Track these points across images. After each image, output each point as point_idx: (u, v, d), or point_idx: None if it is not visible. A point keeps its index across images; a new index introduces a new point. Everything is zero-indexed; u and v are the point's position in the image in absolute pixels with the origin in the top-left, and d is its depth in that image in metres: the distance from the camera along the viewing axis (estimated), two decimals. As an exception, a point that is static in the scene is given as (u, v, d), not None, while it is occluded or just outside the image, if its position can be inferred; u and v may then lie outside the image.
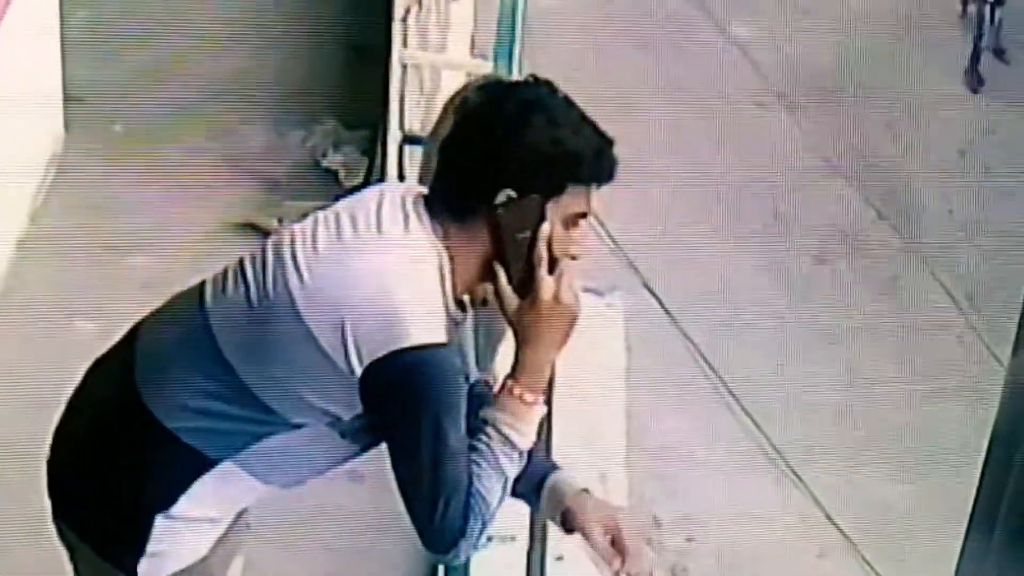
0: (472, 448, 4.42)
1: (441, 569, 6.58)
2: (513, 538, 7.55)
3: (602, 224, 14.56)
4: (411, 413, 4.34)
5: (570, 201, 4.37)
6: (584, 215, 4.42)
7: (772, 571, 11.29)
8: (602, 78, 15.95)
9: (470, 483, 4.40)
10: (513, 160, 4.39)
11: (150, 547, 4.65)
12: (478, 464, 4.40)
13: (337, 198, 8.74)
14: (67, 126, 9.20)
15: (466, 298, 4.52)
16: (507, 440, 4.42)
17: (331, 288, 4.36)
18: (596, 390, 9.37)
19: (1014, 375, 3.67)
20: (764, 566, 11.43)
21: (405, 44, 9.12)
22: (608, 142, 4.40)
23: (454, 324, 4.43)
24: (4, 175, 8.41)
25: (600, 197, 4.48)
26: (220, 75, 9.74)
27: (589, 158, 4.38)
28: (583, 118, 4.43)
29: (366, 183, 9.21)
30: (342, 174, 9.45)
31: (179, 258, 8.57)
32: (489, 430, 4.42)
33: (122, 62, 9.47)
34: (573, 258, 4.41)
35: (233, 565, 4.98)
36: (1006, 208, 13.70)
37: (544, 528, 8.12)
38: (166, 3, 9.63)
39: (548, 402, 8.28)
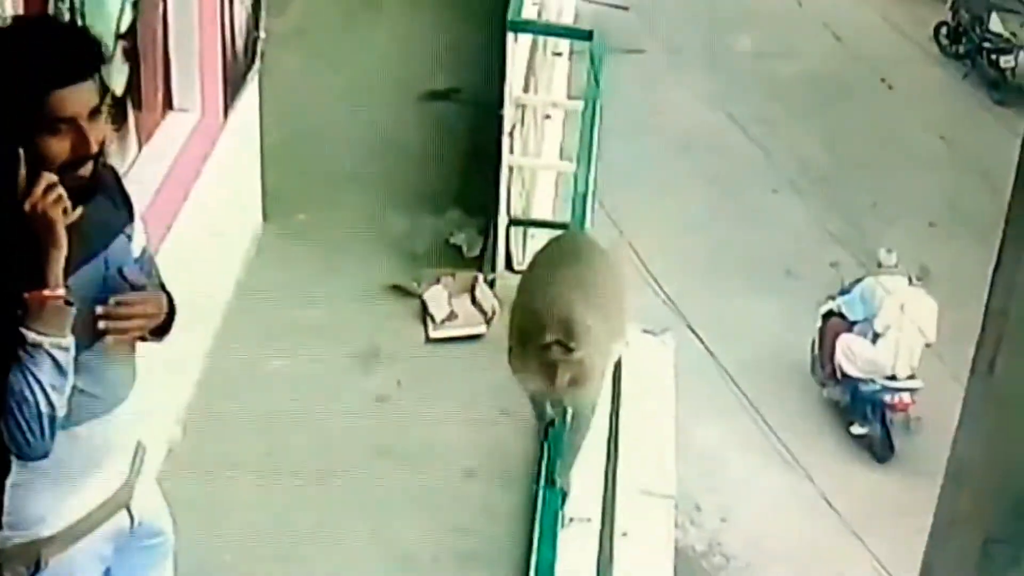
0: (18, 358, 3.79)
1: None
2: (589, 520, 7.47)
3: (656, 281, 14.57)
4: None
5: (48, 109, 3.74)
6: (69, 119, 3.77)
7: (782, 544, 11.22)
8: (656, 175, 15.96)
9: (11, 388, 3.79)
10: None
11: None
12: (13, 370, 3.80)
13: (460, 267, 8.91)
14: (265, 215, 9.27)
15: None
16: (29, 343, 3.77)
17: None
18: (653, 406, 9.30)
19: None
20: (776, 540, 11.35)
21: (511, 151, 9.17)
22: (75, 39, 3.91)
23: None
24: (219, 251, 8.52)
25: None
26: (375, 177, 9.79)
27: (49, 63, 3.76)
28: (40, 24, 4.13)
29: (482, 255, 9.28)
30: (464, 249, 9.44)
31: (345, 313, 8.66)
32: (18, 338, 3.78)
33: (304, 168, 9.54)
34: (81, 161, 3.83)
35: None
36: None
37: (613, 509, 8.08)
38: (335, 126, 9.64)
39: (616, 416, 8.16)
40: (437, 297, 8.84)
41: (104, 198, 4.10)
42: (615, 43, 13.91)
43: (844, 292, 15.97)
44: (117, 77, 6.86)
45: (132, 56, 7.26)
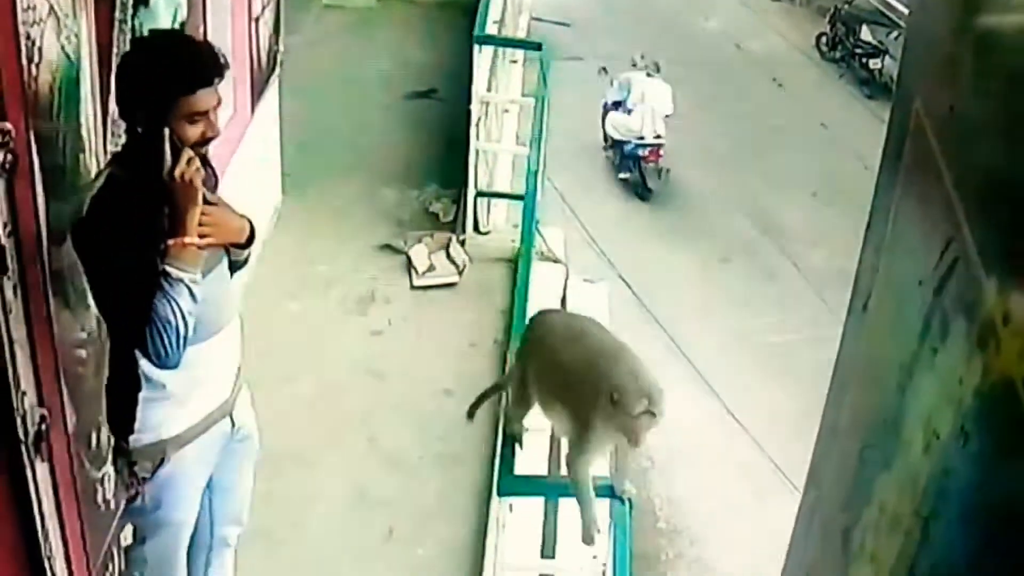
0: (158, 288, 4.03)
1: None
2: (541, 429, 7.49)
3: (598, 244, 14.55)
4: (86, 271, 4.18)
5: (181, 107, 4.00)
6: (198, 113, 4.03)
7: (691, 447, 11.24)
8: (590, 157, 15.95)
9: (153, 310, 4.02)
10: (131, 94, 4.11)
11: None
12: (158, 298, 4.02)
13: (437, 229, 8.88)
14: (283, 190, 9.27)
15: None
16: (170, 277, 4.01)
17: None
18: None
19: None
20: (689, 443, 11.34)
21: (478, 138, 9.17)
22: (199, 58, 4.08)
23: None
24: (250, 218, 8.52)
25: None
26: (370, 159, 9.80)
27: (179, 76, 4.01)
28: (176, 42, 4.30)
29: (455, 220, 9.29)
30: (441, 215, 9.45)
31: (347, 266, 8.68)
32: (163, 273, 4.02)
33: (312, 151, 9.53)
34: (206, 141, 4.11)
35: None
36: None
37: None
38: (339, 119, 9.65)
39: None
40: (419, 253, 8.87)
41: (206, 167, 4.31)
42: (559, 52, 13.96)
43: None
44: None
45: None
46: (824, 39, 22.15)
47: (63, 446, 4.41)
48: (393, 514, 6.69)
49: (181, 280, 4.05)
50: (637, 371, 4.81)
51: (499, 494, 5.62)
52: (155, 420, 4.40)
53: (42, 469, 4.33)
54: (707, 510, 10.62)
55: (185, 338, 4.10)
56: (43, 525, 4.44)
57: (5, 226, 3.81)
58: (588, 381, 4.86)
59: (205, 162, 4.23)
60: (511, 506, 5.74)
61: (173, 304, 4.04)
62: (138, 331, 4.07)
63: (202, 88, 4.04)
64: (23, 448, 4.23)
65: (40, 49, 3.87)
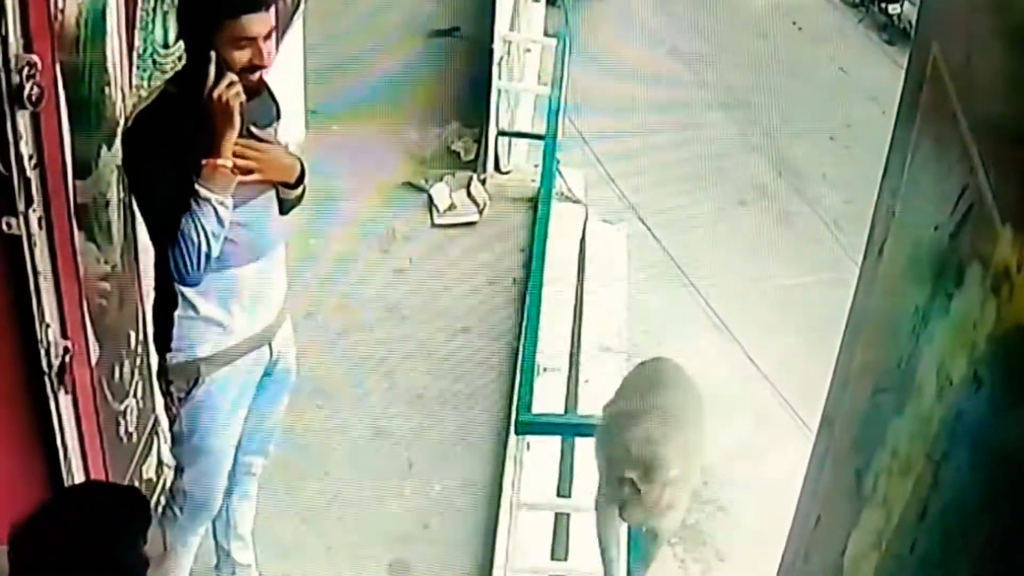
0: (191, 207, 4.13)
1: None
2: (558, 369, 7.50)
3: (613, 181, 14.53)
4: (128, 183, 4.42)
5: (228, 31, 4.08)
6: (245, 39, 4.10)
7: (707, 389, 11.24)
8: (611, 98, 15.89)
9: (180, 224, 4.14)
10: (183, 11, 4.30)
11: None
12: (185, 216, 4.13)
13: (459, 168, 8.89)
14: (307, 126, 9.28)
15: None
16: (200, 196, 4.12)
17: None
18: (609, 279, 9.32)
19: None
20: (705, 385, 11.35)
21: (500, 77, 9.14)
22: None
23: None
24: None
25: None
26: (392, 97, 9.78)
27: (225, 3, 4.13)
28: None
29: (476, 159, 9.28)
30: (462, 154, 9.45)
31: (369, 204, 8.66)
32: (193, 192, 4.15)
33: (337, 90, 9.52)
34: (254, 69, 4.16)
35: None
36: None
37: (578, 361, 8.10)
38: (361, 57, 9.63)
39: (581, 288, 8.17)
40: (440, 192, 8.86)
41: (263, 98, 4.41)
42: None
43: None
44: (193, 15, 6.81)
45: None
46: (844, -17, 22.07)
47: (86, 378, 4.44)
48: (412, 450, 6.71)
49: (208, 200, 4.15)
50: (649, 439, 4.45)
51: (516, 432, 5.64)
52: (190, 338, 4.47)
53: (65, 401, 4.36)
54: (722, 451, 10.61)
55: (208, 258, 4.19)
56: (66, 456, 4.49)
57: (31, 158, 3.82)
58: (612, 435, 4.68)
59: (258, 93, 4.31)
60: (528, 444, 5.74)
61: (198, 223, 4.14)
62: (166, 245, 4.18)
63: (248, 13, 4.11)
64: (47, 380, 4.27)
65: (67, -18, 3.88)
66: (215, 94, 4.08)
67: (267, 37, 4.17)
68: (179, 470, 4.88)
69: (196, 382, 4.53)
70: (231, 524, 5.28)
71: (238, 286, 4.44)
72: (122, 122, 4.52)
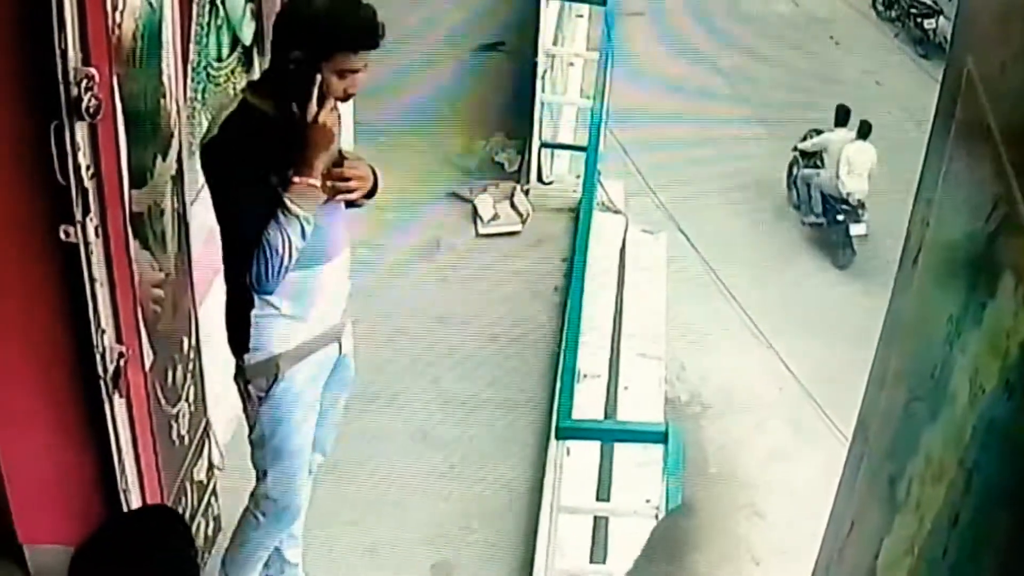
0: (274, 217, 4.23)
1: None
2: (599, 376, 7.48)
3: (653, 191, 14.52)
4: (211, 191, 4.35)
5: (338, 61, 4.18)
6: (352, 71, 4.22)
7: (744, 395, 11.24)
8: (653, 111, 15.87)
9: (263, 237, 4.22)
10: (298, 31, 4.25)
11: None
12: (270, 227, 4.21)
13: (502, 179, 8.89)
14: (355, 139, 9.32)
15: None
16: (288, 211, 4.20)
17: None
18: (648, 288, 9.31)
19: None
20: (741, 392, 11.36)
21: (543, 91, 9.16)
22: (371, 25, 4.23)
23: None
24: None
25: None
26: (438, 109, 9.82)
27: (349, 34, 4.20)
28: (355, 3, 4.28)
29: (519, 170, 9.29)
30: (506, 165, 9.48)
31: (415, 214, 8.69)
32: (278, 206, 4.23)
33: (384, 102, 9.55)
34: (347, 97, 4.30)
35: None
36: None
37: (617, 368, 8.09)
38: (410, 71, 9.67)
39: (620, 297, 8.15)
40: (484, 202, 8.88)
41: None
42: (623, 7, 13.87)
43: None
44: (246, 30, 6.82)
45: (257, 15, 7.24)
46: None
47: (140, 383, 4.46)
48: (454, 454, 6.72)
49: (297, 216, 4.23)
50: None
51: (557, 437, 5.63)
52: (268, 337, 4.54)
53: (120, 405, 4.39)
54: (758, 457, 10.60)
55: (287, 269, 4.28)
56: (120, 459, 4.51)
57: (88, 168, 3.85)
58: None
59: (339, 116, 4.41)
60: (568, 449, 5.74)
61: (285, 236, 4.22)
62: (246, 252, 4.27)
63: (364, 50, 4.23)
64: (102, 384, 4.29)
65: (124, -4, 3.89)
66: (319, 118, 4.20)
67: (362, 70, 4.29)
68: (261, 475, 4.91)
69: (276, 379, 4.60)
70: None
71: (313, 285, 4.51)
72: (182, 131, 4.56)
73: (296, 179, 4.23)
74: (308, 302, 4.53)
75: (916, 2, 21.15)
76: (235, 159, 4.25)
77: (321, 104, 4.20)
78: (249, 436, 4.82)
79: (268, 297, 4.44)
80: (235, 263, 4.45)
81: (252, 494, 5.01)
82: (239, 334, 4.56)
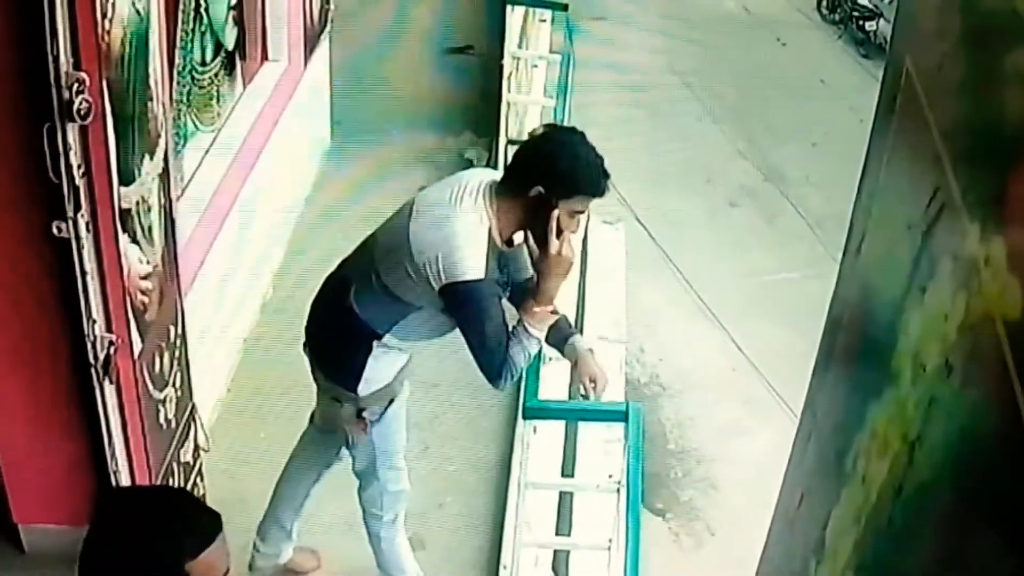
0: (512, 335, 4.31)
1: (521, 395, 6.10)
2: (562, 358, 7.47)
3: (617, 189, 14.50)
4: (466, 317, 4.29)
5: (575, 202, 4.22)
6: (581, 211, 4.27)
7: (699, 375, 11.24)
8: (611, 108, 15.86)
9: (507, 353, 4.30)
10: (545, 171, 4.23)
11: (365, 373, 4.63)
12: (513, 345, 4.31)
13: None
14: (332, 134, 9.32)
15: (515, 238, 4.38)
16: (529, 334, 4.32)
17: (425, 232, 4.21)
18: (609, 275, 9.32)
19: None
20: (697, 372, 11.36)
21: (509, 90, 9.14)
22: (606, 174, 4.27)
23: (500, 256, 4.33)
24: (300, 162, 8.60)
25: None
26: (411, 108, 9.82)
27: (590, 181, 4.25)
28: (595, 154, 4.30)
29: (486, 165, 9.29)
30: (474, 161, 9.47)
31: (389, 205, 8.65)
32: (520, 327, 4.33)
33: (359, 100, 9.54)
34: (573, 232, 4.27)
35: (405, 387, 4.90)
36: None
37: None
38: (383, 72, 9.68)
39: (583, 283, 8.14)
40: (454, 196, 8.88)
41: None
42: (583, 12, 13.89)
43: None
44: (229, 36, 6.80)
45: (239, 21, 7.22)
46: (824, 2, 21.92)
47: (129, 370, 4.45)
48: (427, 434, 6.72)
49: (536, 338, 4.36)
50: None
51: (524, 417, 5.62)
52: (384, 369, 4.64)
53: (110, 391, 4.38)
54: (713, 433, 10.59)
55: (519, 374, 4.48)
56: (110, 442, 4.51)
57: (79, 167, 3.84)
58: None
59: None
60: (535, 428, 5.74)
61: (527, 355, 4.37)
62: (490, 362, 4.33)
63: (598, 197, 4.29)
64: (93, 371, 4.28)
65: (113, 5, 3.87)
66: (561, 251, 4.23)
67: (584, 212, 4.32)
68: (366, 482, 5.14)
69: (390, 402, 4.78)
70: (303, 508, 5.47)
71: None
72: (168, 132, 4.53)
73: (536, 309, 4.33)
74: (416, 336, 4.60)
75: (858, 5, 21.17)
76: (486, 286, 4.26)
77: (560, 236, 4.22)
78: (351, 450, 5.00)
79: (394, 345, 4.56)
80: (363, 320, 4.50)
81: (360, 502, 5.23)
82: (352, 372, 4.64)
